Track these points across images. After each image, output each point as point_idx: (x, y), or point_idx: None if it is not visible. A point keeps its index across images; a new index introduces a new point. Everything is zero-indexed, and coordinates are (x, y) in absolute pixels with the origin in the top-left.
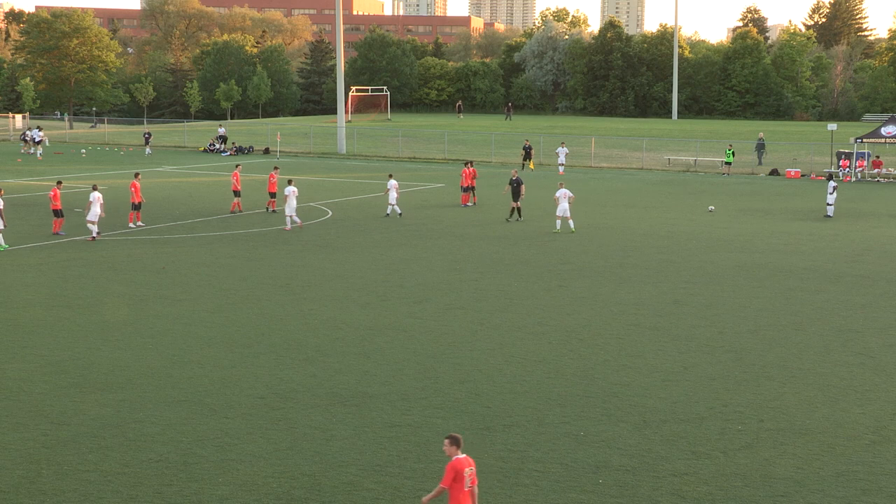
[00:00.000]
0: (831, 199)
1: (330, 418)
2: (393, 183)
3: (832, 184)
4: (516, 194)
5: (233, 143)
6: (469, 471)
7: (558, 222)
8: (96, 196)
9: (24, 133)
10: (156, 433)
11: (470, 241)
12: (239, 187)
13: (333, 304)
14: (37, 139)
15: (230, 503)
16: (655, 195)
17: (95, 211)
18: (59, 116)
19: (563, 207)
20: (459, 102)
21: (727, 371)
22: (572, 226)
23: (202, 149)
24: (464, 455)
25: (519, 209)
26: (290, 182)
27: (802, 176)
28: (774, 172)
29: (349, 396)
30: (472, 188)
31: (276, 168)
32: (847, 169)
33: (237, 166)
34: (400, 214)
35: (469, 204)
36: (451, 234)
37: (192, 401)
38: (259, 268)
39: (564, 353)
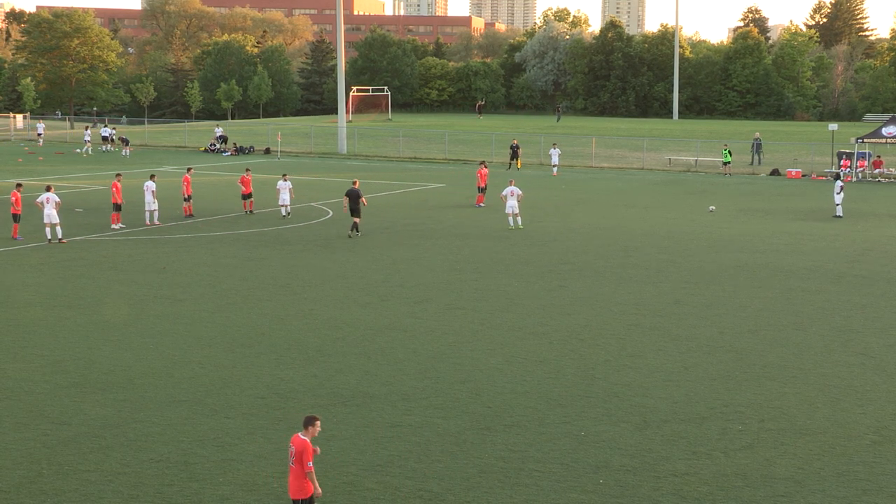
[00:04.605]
0: (839, 198)
1: (330, 418)
2: (284, 184)
3: (839, 183)
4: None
5: (233, 144)
6: (290, 448)
7: (510, 219)
8: (45, 197)
9: (109, 135)
10: (156, 433)
11: (470, 241)
12: (190, 191)
13: (334, 304)
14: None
15: (231, 503)
16: (656, 195)
17: (48, 212)
18: (59, 116)
19: (511, 205)
20: (480, 102)
21: (728, 371)
22: (520, 223)
23: (203, 149)
24: (304, 437)
25: (356, 223)
26: (152, 177)
27: (803, 176)
28: (775, 172)
29: (350, 396)
30: (484, 189)
31: (247, 169)
32: (848, 169)
33: (189, 169)
34: (287, 215)
35: (482, 205)
36: (451, 234)
37: (192, 401)
38: (259, 268)
39: (565, 353)
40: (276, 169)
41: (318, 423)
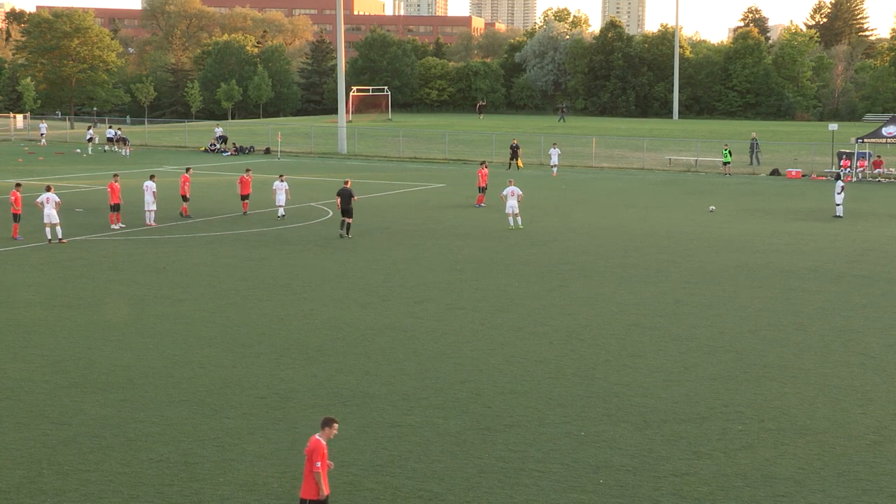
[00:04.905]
0: (839, 198)
1: None
2: (281, 185)
3: (840, 183)
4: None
5: (233, 144)
6: (307, 446)
7: (510, 219)
8: (45, 197)
9: (114, 136)
10: (156, 433)
11: (470, 241)
12: (187, 192)
13: (334, 304)
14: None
15: (231, 503)
16: (656, 195)
17: (48, 212)
18: (59, 116)
19: (511, 205)
20: (481, 102)
21: (728, 371)
22: (520, 223)
23: (203, 149)
24: (319, 438)
25: (349, 224)
26: (152, 177)
27: (803, 176)
28: (775, 172)
29: (350, 396)
30: (484, 189)
31: (248, 170)
32: (848, 169)
33: (188, 169)
34: (281, 217)
35: (483, 205)
36: (451, 234)
37: (192, 401)
38: (259, 268)
39: (565, 353)
40: (276, 169)
41: (336, 425)
